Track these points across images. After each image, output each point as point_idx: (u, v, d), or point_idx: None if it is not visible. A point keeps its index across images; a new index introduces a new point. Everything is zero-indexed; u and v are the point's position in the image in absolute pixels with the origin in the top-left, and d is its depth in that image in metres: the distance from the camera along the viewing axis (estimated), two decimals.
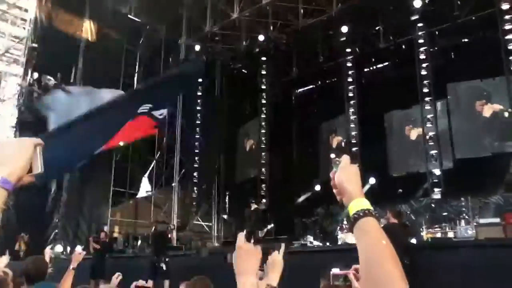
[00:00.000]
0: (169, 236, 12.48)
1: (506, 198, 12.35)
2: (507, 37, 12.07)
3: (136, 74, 19.96)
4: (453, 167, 13.82)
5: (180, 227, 16.64)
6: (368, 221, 1.18)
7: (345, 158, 1.34)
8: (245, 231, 1.69)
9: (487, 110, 13.89)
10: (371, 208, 1.21)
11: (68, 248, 15.05)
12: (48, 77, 16.10)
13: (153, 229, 13.29)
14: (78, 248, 12.60)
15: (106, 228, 15.73)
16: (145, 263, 11.12)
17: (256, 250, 1.66)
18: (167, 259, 10.77)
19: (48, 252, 5.41)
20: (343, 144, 16.56)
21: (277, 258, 2.36)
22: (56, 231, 15.57)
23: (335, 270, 2.33)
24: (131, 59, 19.65)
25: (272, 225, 13.43)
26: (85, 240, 14.82)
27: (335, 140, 17.67)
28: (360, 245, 1.18)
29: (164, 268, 10.59)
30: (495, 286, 6.79)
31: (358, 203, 1.22)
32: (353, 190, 1.26)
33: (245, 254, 1.63)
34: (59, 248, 14.82)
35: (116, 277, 3.83)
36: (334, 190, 1.32)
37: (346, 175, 1.29)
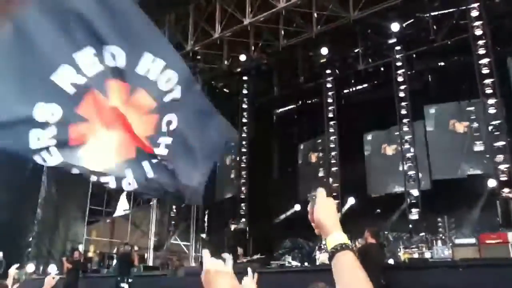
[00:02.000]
0: (133, 257, 12.35)
1: (481, 219, 12.56)
2: (481, 61, 12.38)
3: None
4: (431, 188, 14.01)
5: (157, 247, 16.41)
6: (345, 256, 1.21)
7: (321, 192, 1.36)
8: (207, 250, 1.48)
9: (459, 127, 14.27)
10: (348, 242, 1.24)
11: (41, 267, 14.66)
12: None
13: (115, 250, 13.17)
14: (53, 270, 12.34)
15: (81, 247, 15.40)
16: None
17: (227, 273, 1.41)
18: (130, 280, 10.69)
19: (11, 273, 5.19)
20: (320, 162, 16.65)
21: (250, 285, 2.30)
22: (29, 249, 15.18)
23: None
24: None
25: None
26: (59, 259, 14.47)
27: (314, 157, 17.84)
28: (337, 280, 1.20)
29: None
30: None
31: (335, 237, 1.26)
32: (330, 224, 1.29)
33: (214, 279, 1.38)
34: (31, 267, 14.42)
35: (53, 277, 3.79)
36: (312, 224, 1.35)
37: (323, 210, 1.32)
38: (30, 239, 15.35)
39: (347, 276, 1.19)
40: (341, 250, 1.22)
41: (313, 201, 1.36)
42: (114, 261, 15.14)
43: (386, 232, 10.98)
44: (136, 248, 14.82)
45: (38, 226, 15.53)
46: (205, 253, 1.49)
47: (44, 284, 4.01)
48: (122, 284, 10.57)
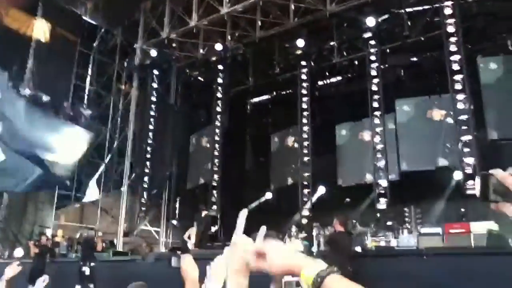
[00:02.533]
0: (96, 242, 12.31)
1: (446, 209, 12.96)
2: (452, 57, 12.72)
3: (89, 77, 19.55)
4: (399, 178, 14.37)
5: (127, 232, 16.31)
6: (335, 279, 1.12)
7: (260, 234, 1.30)
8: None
9: (436, 114, 14.67)
10: (325, 264, 1.15)
11: (7, 252, 14.39)
12: None
13: (78, 235, 13.11)
14: (19, 254, 12.14)
15: (49, 232, 15.18)
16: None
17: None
18: (92, 264, 10.67)
19: None
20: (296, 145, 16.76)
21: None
22: None
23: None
24: (85, 61, 19.24)
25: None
26: (26, 244, 14.24)
27: (286, 147, 18.07)
28: None
29: (87, 273, 10.50)
30: None
31: (312, 267, 1.14)
32: (298, 261, 1.18)
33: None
34: None
35: (43, 280, 3.73)
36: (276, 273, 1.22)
37: (278, 256, 1.20)
38: None
39: None
40: (327, 276, 1.11)
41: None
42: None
43: (354, 221, 11.19)
44: (100, 233, 14.76)
45: (5, 210, 15.21)
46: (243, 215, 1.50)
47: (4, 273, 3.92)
48: (84, 268, 10.53)
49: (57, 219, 16.66)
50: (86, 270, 10.56)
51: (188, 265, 2.22)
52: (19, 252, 12.84)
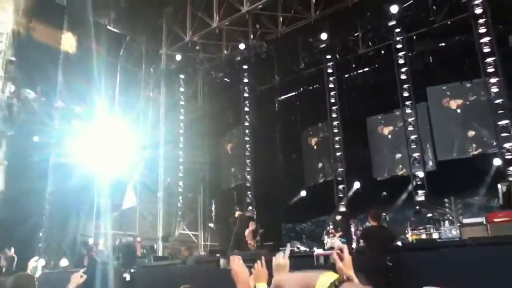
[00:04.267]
0: (136, 247, 12.54)
1: (487, 198, 12.62)
2: (482, 40, 12.35)
3: (117, 85, 19.88)
4: (436, 169, 14.08)
5: (166, 237, 16.55)
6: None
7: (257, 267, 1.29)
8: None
9: (453, 104, 14.32)
10: (333, 277, 1.13)
11: (52, 262, 14.80)
12: (28, 90, 15.98)
13: (117, 241, 13.33)
14: (64, 263, 12.48)
15: (91, 240, 15.55)
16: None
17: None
18: (132, 270, 10.85)
19: (30, 266, 5.23)
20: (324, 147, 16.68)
21: (281, 260, 2.40)
22: (40, 244, 15.33)
23: (319, 251, 2.40)
24: (112, 70, 19.56)
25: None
26: (70, 254, 14.64)
27: (317, 142, 17.96)
28: None
29: (128, 278, 10.68)
30: (480, 284, 6.92)
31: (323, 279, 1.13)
32: (306, 277, 1.19)
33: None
34: (42, 262, 14.56)
35: (80, 276, 3.89)
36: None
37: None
38: (40, 234, 15.48)
39: None
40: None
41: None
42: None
43: (384, 214, 10.99)
44: (139, 239, 15.01)
45: (47, 220, 15.65)
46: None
47: (70, 281, 4.03)
48: (125, 275, 10.74)
49: (98, 228, 17.04)
50: (127, 277, 10.78)
51: (238, 266, 2.25)
52: (64, 261, 13.21)
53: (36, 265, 7.54)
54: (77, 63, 17.31)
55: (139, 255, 13.48)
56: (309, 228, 15.80)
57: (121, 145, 17.43)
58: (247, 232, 12.32)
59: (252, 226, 12.45)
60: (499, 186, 10.88)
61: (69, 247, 15.91)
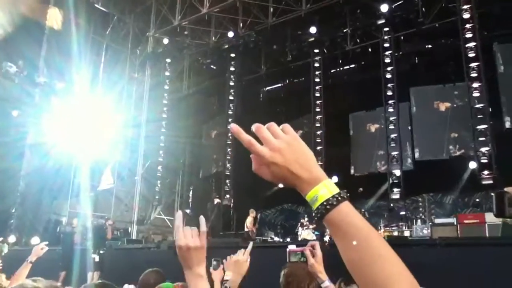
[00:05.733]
0: (107, 229, 12.47)
1: (460, 199, 12.84)
2: (467, 45, 12.49)
3: (101, 65, 19.62)
4: (413, 168, 14.25)
5: (141, 221, 16.47)
6: (343, 210, 0.91)
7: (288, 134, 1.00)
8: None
9: (443, 108, 14.52)
10: (339, 190, 0.92)
11: (23, 239, 14.62)
12: (9, 63, 15.67)
13: (89, 223, 13.25)
14: (35, 242, 12.32)
15: (65, 220, 15.40)
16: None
17: (198, 248, 1.47)
18: (101, 251, 10.84)
19: None
20: (306, 141, 16.68)
21: (240, 258, 2.38)
22: (12, 221, 15.12)
23: (292, 247, 2.40)
24: (98, 49, 19.28)
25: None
26: (42, 232, 14.48)
27: (300, 136, 17.91)
28: (342, 243, 0.91)
29: (97, 259, 10.67)
30: (448, 283, 7.04)
31: (323, 189, 0.92)
32: (313, 173, 0.94)
33: (187, 253, 1.46)
34: (12, 239, 14.37)
35: (41, 248, 3.87)
36: (274, 180, 0.98)
37: (295, 156, 0.96)
38: (13, 210, 15.27)
39: (358, 236, 0.89)
40: (337, 204, 0.90)
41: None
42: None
43: (363, 210, 11.14)
44: (110, 221, 14.90)
45: (20, 198, 15.44)
46: (178, 217, 1.54)
47: (31, 253, 3.99)
48: (93, 255, 10.72)
49: (72, 208, 16.87)
50: (96, 257, 10.75)
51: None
52: (36, 239, 13.06)
53: (1, 244, 7.49)
54: (62, 39, 17.00)
55: (109, 237, 13.38)
56: (284, 219, 15.87)
57: (102, 125, 17.21)
58: (249, 219, 12.44)
59: (252, 214, 12.58)
60: (492, 196, 11.04)
61: (42, 225, 15.74)
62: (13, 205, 15.45)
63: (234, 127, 0.99)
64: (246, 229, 12.62)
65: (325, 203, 0.91)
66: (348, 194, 0.94)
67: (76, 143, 16.18)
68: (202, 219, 1.52)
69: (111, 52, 19.65)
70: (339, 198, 0.91)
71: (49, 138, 15.49)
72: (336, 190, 0.93)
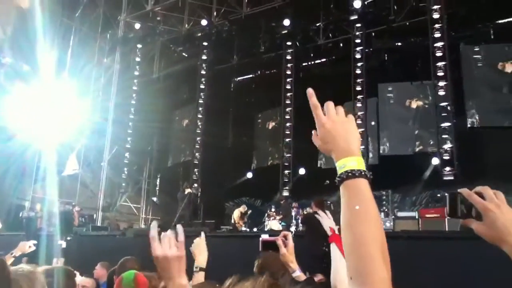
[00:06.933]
0: (74, 216, 12.35)
1: (423, 194, 13.23)
2: (435, 44, 12.84)
3: (70, 48, 19.13)
4: (378, 163, 14.59)
5: (107, 208, 16.28)
6: (361, 183, 1.08)
7: (340, 110, 1.23)
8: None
9: (412, 105, 14.88)
10: (365, 169, 1.10)
11: None
12: None
13: (56, 209, 13.09)
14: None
15: (27, 205, 15.06)
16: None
17: (175, 258, 1.47)
18: (68, 238, 10.75)
19: None
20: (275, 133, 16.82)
21: (200, 242, 2.45)
22: None
23: (264, 236, 2.47)
24: (66, 32, 18.77)
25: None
26: (4, 217, 14.12)
27: (269, 127, 18.09)
28: (348, 202, 1.08)
29: (64, 246, 10.57)
30: (409, 275, 7.27)
31: (353, 161, 1.10)
32: (351, 147, 1.14)
33: (166, 263, 1.45)
34: None
35: (28, 246, 3.87)
36: (319, 141, 1.22)
37: (344, 130, 1.17)
38: None
39: (362, 200, 1.06)
40: (360, 177, 1.08)
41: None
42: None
43: (329, 202, 11.33)
44: (77, 208, 14.72)
45: None
46: (153, 227, 1.52)
47: (17, 247, 3.97)
48: (60, 242, 10.58)
49: (35, 193, 16.50)
50: (63, 244, 10.62)
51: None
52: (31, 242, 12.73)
53: None
54: (29, 19, 16.46)
55: (76, 224, 13.25)
56: (251, 209, 16.00)
57: (69, 109, 16.83)
58: (236, 213, 12.53)
59: (242, 208, 12.69)
60: (446, 195, 11.40)
61: (3, 209, 15.34)
62: None
63: (309, 89, 1.24)
64: (232, 221, 12.74)
65: (349, 171, 1.09)
66: (372, 177, 1.11)
67: (41, 127, 15.77)
68: (180, 227, 1.52)
69: (80, 35, 19.16)
70: (362, 173, 1.09)
71: (13, 122, 15.04)
72: (363, 167, 1.10)
